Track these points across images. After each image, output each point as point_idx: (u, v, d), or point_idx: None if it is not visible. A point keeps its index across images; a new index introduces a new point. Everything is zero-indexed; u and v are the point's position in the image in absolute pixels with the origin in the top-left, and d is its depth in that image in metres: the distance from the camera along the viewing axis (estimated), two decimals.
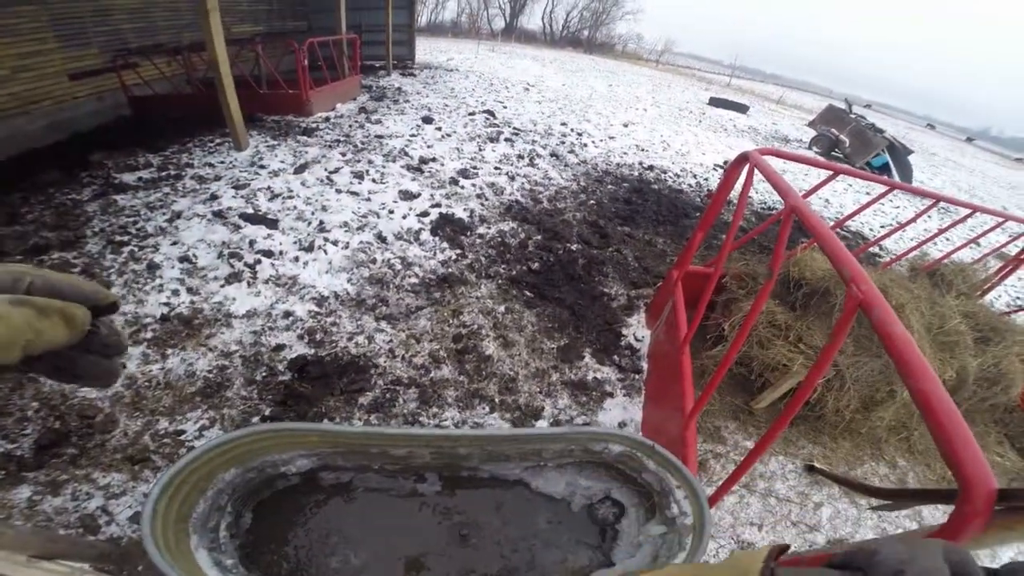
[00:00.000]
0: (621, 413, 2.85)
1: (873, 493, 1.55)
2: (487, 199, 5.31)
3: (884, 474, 2.92)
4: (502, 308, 3.53)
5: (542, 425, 2.64)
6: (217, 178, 4.76)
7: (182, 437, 2.27)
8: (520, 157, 6.92)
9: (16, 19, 5.60)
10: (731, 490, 1.76)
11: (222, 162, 5.21)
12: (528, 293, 3.77)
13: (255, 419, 2.42)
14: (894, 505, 1.39)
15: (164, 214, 3.96)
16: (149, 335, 2.78)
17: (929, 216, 9.13)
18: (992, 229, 4.02)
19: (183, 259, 3.41)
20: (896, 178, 12.37)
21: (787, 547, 0.47)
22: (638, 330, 3.57)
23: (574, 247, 4.60)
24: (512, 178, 6.03)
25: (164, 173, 4.76)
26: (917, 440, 3.11)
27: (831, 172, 3.14)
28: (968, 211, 3.65)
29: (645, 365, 3.25)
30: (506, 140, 7.61)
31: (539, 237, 4.67)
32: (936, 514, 2.67)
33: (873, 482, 2.83)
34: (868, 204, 3.56)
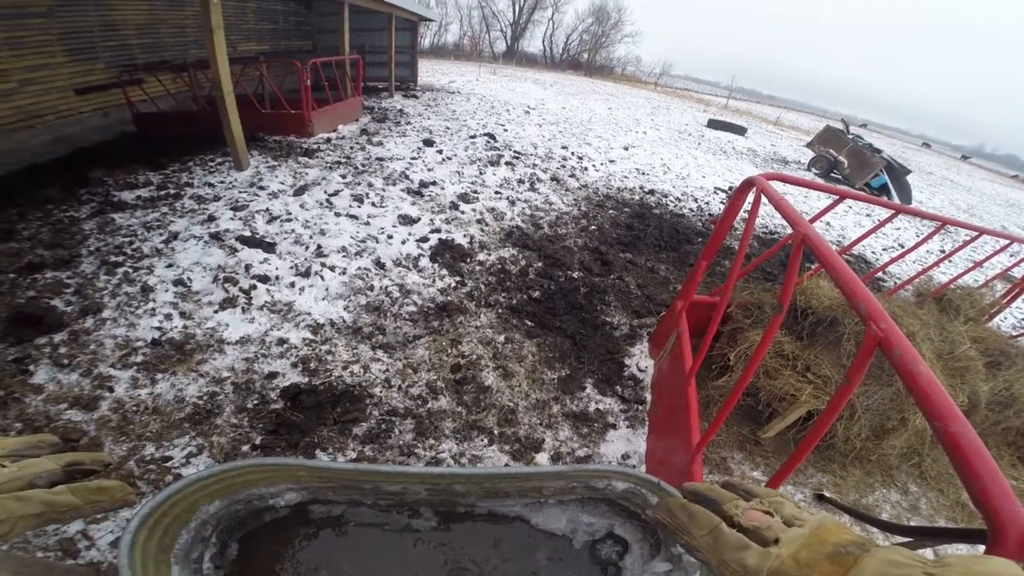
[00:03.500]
0: (624, 445, 2.76)
1: (890, 529, 1.46)
2: (487, 224, 5.27)
3: (896, 501, 2.84)
4: (502, 338, 3.46)
5: (543, 458, 2.56)
6: (216, 198, 4.74)
7: (168, 464, 2.20)
8: (521, 181, 6.92)
9: (26, 32, 5.66)
10: None
11: (222, 182, 5.20)
12: (528, 322, 3.70)
13: (245, 447, 2.35)
14: (915, 544, 1.32)
15: (161, 235, 3.93)
16: (139, 359, 2.73)
17: (931, 238, 9.14)
18: (997, 252, 3.99)
19: (177, 282, 3.36)
20: (895, 198, 12.42)
21: None
22: (641, 360, 3.49)
23: (575, 274, 4.54)
24: (513, 203, 6.01)
25: (163, 192, 4.76)
26: (929, 466, 3.05)
27: (835, 196, 3.11)
28: (975, 234, 3.62)
29: (649, 396, 3.17)
30: (507, 164, 7.63)
31: (540, 264, 4.61)
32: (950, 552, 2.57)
33: (884, 510, 2.75)
34: (874, 229, 3.52)
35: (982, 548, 0.85)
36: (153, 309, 3.10)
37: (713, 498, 0.53)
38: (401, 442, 2.52)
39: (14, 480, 0.53)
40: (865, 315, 1.21)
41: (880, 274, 6.43)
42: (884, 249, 7.87)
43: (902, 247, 8.11)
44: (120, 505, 0.64)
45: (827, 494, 2.67)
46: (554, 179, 7.37)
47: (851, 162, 13.66)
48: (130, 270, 3.45)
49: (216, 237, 3.95)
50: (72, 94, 6.42)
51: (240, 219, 4.33)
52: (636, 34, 60.33)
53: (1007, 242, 3.85)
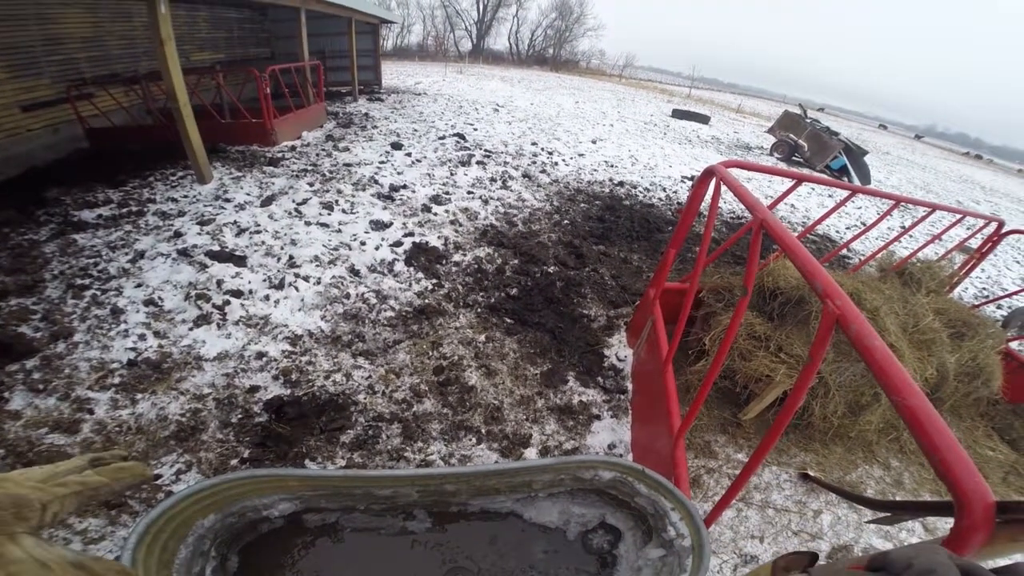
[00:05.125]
0: (610, 435, 2.82)
1: (870, 504, 1.53)
2: (461, 225, 5.27)
3: (879, 476, 2.93)
4: (482, 337, 3.48)
5: (531, 453, 2.60)
6: (181, 213, 4.64)
7: (159, 482, 2.19)
8: (493, 180, 6.92)
9: None
10: (728, 505, 1.74)
11: (185, 196, 5.08)
12: (508, 320, 3.73)
13: (233, 461, 2.33)
14: (892, 518, 1.38)
15: (126, 254, 3.83)
16: (117, 380, 2.68)
17: (891, 215, 9.45)
18: (953, 225, 4.15)
19: (148, 302, 3.29)
20: (855, 179, 12.80)
21: (815, 555, 0.51)
22: (620, 350, 3.55)
23: (551, 269, 4.58)
24: (486, 202, 6.01)
25: (125, 210, 4.62)
26: (908, 440, 3.12)
27: (795, 179, 3.20)
28: (928, 210, 3.77)
29: (630, 385, 3.24)
30: (478, 163, 7.62)
31: (516, 261, 4.63)
32: (939, 523, 2.66)
33: (868, 486, 2.84)
34: (833, 209, 3.65)
35: (952, 520, 0.86)
36: (126, 330, 3.04)
37: None
38: (389, 447, 2.52)
39: (53, 476, 0.65)
40: (822, 293, 1.26)
41: (845, 251, 6.64)
42: (847, 228, 8.12)
43: (864, 225, 8.39)
44: (141, 481, 0.76)
45: (811, 473, 2.75)
46: (525, 176, 7.40)
47: (811, 146, 14.02)
48: (98, 292, 3.36)
49: (184, 253, 3.86)
50: (18, 111, 6.20)
51: (208, 233, 4.24)
52: (599, 27, 60.55)
53: (960, 216, 4.02)
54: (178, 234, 4.18)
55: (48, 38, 6.70)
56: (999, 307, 5.79)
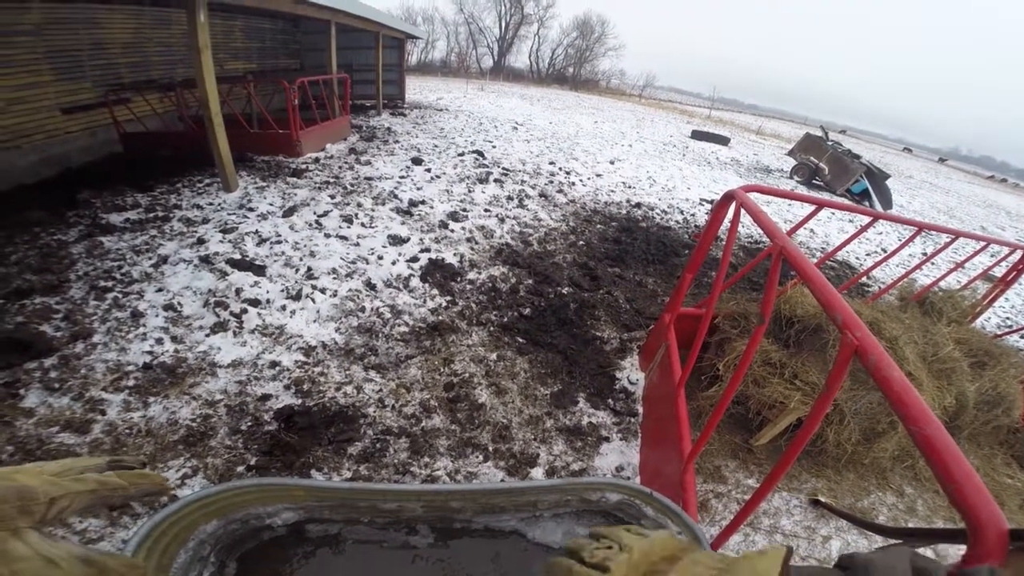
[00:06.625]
0: (618, 457, 2.79)
1: (881, 531, 1.50)
2: (477, 243, 5.30)
3: (892, 503, 2.87)
4: (494, 355, 3.48)
5: (538, 473, 2.58)
6: (205, 221, 4.75)
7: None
8: (510, 198, 6.96)
9: (13, 50, 5.65)
10: (736, 530, 1.71)
11: (210, 204, 5.20)
12: (520, 339, 3.72)
13: (240, 468, 2.34)
14: (904, 545, 1.35)
15: (150, 259, 3.93)
16: (131, 383, 2.73)
17: (912, 242, 9.28)
18: (977, 253, 4.07)
19: (168, 307, 3.36)
20: (876, 204, 12.62)
21: (791, 549, 0.51)
22: (632, 373, 3.53)
23: (565, 291, 4.57)
24: (502, 220, 6.05)
25: (152, 214, 4.75)
26: (923, 467, 3.06)
27: (815, 205, 3.17)
28: (951, 237, 3.70)
29: (640, 408, 3.20)
30: (495, 181, 7.67)
31: (530, 281, 4.63)
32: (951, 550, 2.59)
33: (880, 513, 2.78)
34: (853, 236, 3.60)
35: (965, 548, 0.87)
36: (144, 334, 3.10)
37: (574, 548, 0.59)
38: (396, 461, 2.52)
39: (69, 470, 0.61)
40: (841, 324, 1.25)
41: (865, 279, 6.53)
42: (868, 254, 7.99)
43: (884, 251, 8.25)
44: (159, 492, 0.73)
45: (822, 499, 2.70)
46: (542, 195, 7.43)
47: (832, 169, 13.86)
48: (120, 295, 3.44)
49: (206, 260, 3.95)
50: (59, 114, 6.41)
51: (230, 242, 4.33)
52: (620, 47, 61.13)
53: (984, 244, 3.94)
54: (201, 241, 4.28)
55: (93, 43, 6.94)
56: (1023, 337, 5.64)
